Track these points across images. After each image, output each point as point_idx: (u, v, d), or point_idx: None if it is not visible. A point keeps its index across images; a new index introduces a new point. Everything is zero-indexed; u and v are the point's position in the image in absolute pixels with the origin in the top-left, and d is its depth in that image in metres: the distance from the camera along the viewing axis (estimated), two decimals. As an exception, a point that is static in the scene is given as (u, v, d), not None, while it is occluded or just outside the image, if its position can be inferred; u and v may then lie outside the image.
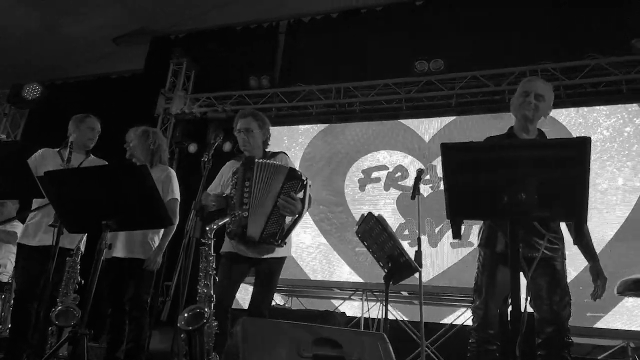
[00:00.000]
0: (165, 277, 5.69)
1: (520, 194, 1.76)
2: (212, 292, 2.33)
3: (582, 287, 4.70)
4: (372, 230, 2.79)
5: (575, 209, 1.82)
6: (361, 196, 5.88)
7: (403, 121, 6.10)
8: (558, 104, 5.43)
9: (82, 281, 2.78)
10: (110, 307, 3.23)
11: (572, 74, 5.46)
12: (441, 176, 5.55)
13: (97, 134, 3.58)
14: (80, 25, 7.78)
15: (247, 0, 7.66)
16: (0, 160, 2.57)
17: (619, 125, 5.13)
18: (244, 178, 2.75)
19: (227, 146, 6.22)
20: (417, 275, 3.17)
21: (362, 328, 4.48)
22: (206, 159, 2.70)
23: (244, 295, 4.46)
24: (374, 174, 5.90)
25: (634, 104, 5.17)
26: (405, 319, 4.61)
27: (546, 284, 2.39)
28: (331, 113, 6.52)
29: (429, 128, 5.92)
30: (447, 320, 4.84)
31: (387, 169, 5.86)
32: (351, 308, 5.13)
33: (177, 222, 3.28)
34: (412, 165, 5.73)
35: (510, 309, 1.77)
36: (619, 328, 4.41)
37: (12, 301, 4.12)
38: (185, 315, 2.24)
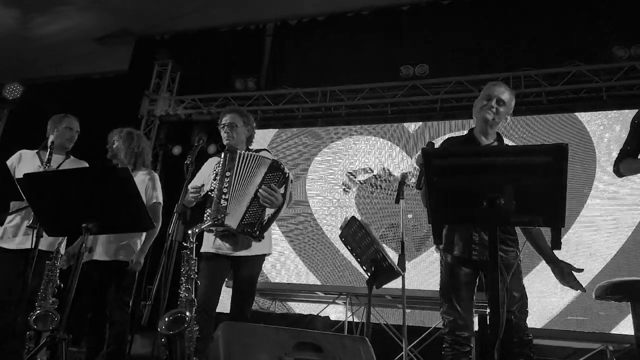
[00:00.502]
0: (148, 281, 5.64)
1: (499, 200, 1.78)
2: (193, 296, 2.31)
3: (563, 290, 4.79)
4: (355, 234, 2.80)
5: (553, 215, 1.85)
6: (345, 200, 5.89)
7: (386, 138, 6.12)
8: (540, 110, 5.55)
9: (62, 285, 2.74)
10: (90, 311, 3.19)
11: (554, 80, 5.55)
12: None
13: (75, 134, 3.53)
14: (61, 24, 7.68)
15: (234, 2, 7.63)
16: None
17: (599, 132, 5.23)
18: (225, 168, 2.75)
19: (212, 148, 6.19)
20: (400, 279, 3.20)
21: (346, 332, 4.48)
22: (189, 162, 2.69)
23: (224, 298, 4.44)
24: (360, 177, 5.92)
25: (614, 111, 5.26)
26: (389, 322, 4.62)
27: (492, 285, 2.42)
28: (317, 116, 6.53)
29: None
30: (430, 324, 4.86)
31: (373, 172, 5.88)
32: (336, 312, 5.14)
33: (159, 226, 3.25)
34: (397, 168, 5.76)
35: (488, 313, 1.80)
36: (599, 331, 4.48)
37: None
38: (166, 319, 2.22)
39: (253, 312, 4.42)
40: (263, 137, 6.51)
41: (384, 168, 5.88)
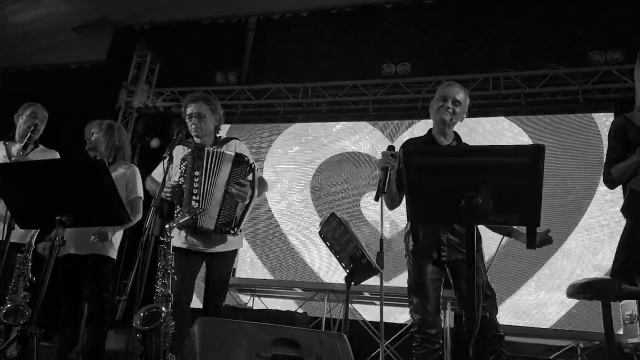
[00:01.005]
0: (123, 276, 5.55)
1: (476, 199, 1.81)
2: (170, 291, 2.28)
3: (536, 288, 4.89)
4: (335, 231, 2.80)
5: (529, 215, 1.88)
6: (327, 197, 5.90)
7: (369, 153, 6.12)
8: (519, 111, 5.64)
9: (34, 278, 2.68)
10: (64, 306, 3.12)
11: (532, 82, 5.64)
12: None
13: (40, 123, 3.42)
14: (38, 11, 7.49)
15: (216, -6, 7.56)
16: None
17: (575, 134, 5.34)
18: (193, 167, 2.71)
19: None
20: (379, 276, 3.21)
21: (324, 328, 4.49)
22: (167, 156, 2.65)
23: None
24: (342, 177, 5.94)
25: (589, 114, 5.38)
26: (367, 319, 4.65)
27: (469, 284, 2.46)
28: (298, 112, 6.51)
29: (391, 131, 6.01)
30: (406, 321, 4.91)
31: (357, 174, 5.90)
32: (314, 308, 5.14)
33: (138, 219, 3.19)
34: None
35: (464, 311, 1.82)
36: (570, 329, 4.59)
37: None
38: (142, 314, 2.19)
39: (230, 307, 4.42)
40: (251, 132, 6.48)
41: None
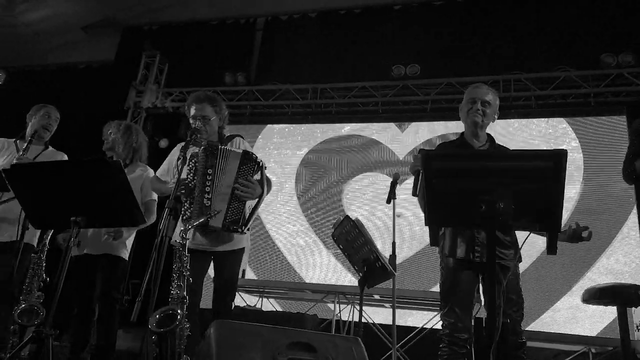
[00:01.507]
0: (132, 275, 5.55)
1: (497, 203, 1.79)
2: (185, 293, 2.27)
3: (549, 292, 4.86)
4: (349, 234, 2.79)
5: (550, 220, 1.86)
6: (337, 199, 5.89)
7: (378, 138, 6.11)
8: (529, 114, 5.61)
9: (48, 279, 2.67)
10: (76, 306, 3.12)
11: (543, 84, 5.61)
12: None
13: (54, 123, 3.43)
14: (46, 11, 7.52)
15: (224, -6, 7.56)
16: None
17: (587, 137, 5.30)
18: (205, 165, 2.66)
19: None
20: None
21: (334, 331, 4.47)
22: (182, 158, 2.63)
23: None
24: (353, 179, 5.92)
25: (601, 117, 5.34)
26: (376, 321, 4.63)
27: (489, 288, 2.44)
28: (307, 113, 6.50)
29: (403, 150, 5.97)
30: (415, 324, 4.89)
31: (365, 174, 5.88)
32: (322, 310, 5.12)
33: (152, 221, 3.18)
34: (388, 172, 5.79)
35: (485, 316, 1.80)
36: (582, 334, 4.55)
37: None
38: (157, 316, 2.18)
39: (240, 308, 4.40)
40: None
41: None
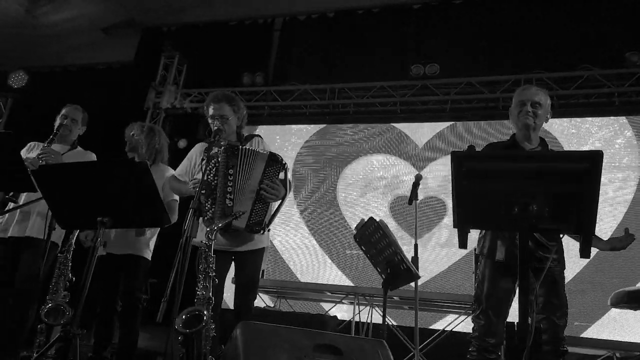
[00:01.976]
0: (150, 275, 5.58)
1: (531, 206, 1.75)
2: (211, 294, 2.27)
3: (569, 295, 4.77)
4: (372, 236, 2.77)
5: (585, 223, 1.82)
6: (354, 199, 5.86)
7: (396, 125, 6.10)
8: (552, 114, 5.51)
9: (74, 278, 2.69)
10: (99, 305, 3.15)
11: (565, 84, 5.52)
12: (430, 184, 5.55)
13: (72, 123, 3.39)
14: (67, 13, 7.61)
15: (242, -5, 7.58)
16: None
17: (610, 137, 5.20)
18: (227, 165, 2.66)
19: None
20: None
21: (353, 332, 4.45)
22: (205, 159, 2.64)
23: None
24: (370, 180, 5.88)
25: (625, 117, 5.24)
26: (395, 323, 4.60)
27: (545, 294, 2.40)
28: (325, 114, 6.48)
29: (422, 135, 5.92)
30: (434, 326, 4.84)
31: (385, 178, 5.84)
32: (339, 311, 5.10)
33: (175, 221, 3.20)
34: (407, 172, 5.73)
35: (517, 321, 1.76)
36: (606, 338, 4.46)
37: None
38: (183, 317, 2.18)
39: (260, 309, 4.40)
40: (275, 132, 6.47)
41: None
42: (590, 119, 5.37)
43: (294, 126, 6.58)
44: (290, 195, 5.87)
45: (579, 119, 5.42)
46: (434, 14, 6.42)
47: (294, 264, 5.67)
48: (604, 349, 4.32)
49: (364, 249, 2.97)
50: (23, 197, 3.14)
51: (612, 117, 5.29)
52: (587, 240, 1.88)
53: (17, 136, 2.48)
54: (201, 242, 2.36)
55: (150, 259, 3.26)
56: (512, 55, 5.79)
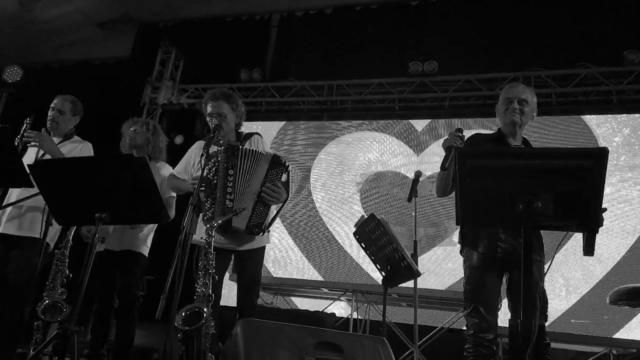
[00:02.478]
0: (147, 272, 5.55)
1: (536, 203, 1.74)
2: (210, 291, 2.25)
3: (567, 292, 4.79)
4: (373, 232, 2.75)
5: (589, 220, 1.81)
6: (352, 195, 5.84)
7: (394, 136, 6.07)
8: (550, 112, 5.52)
9: (71, 275, 2.67)
10: (96, 301, 3.12)
11: (564, 82, 5.52)
12: (430, 181, 5.52)
13: (57, 113, 3.28)
14: (62, 7, 7.53)
15: (239, -9, 7.53)
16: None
17: (608, 135, 5.21)
18: (227, 165, 2.64)
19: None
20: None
21: (351, 330, 4.44)
22: (205, 154, 2.61)
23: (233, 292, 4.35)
24: (370, 177, 5.87)
25: (623, 115, 5.25)
26: (393, 320, 4.59)
27: (525, 290, 2.38)
28: (323, 110, 6.45)
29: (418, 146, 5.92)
30: (431, 323, 4.84)
31: (385, 177, 5.83)
32: (336, 308, 5.09)
33: (172, 217, 3.17)
34: (407, 170, 5.72)
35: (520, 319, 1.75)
36: (602, 335, 4.48)
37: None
38: (183, 314, 2.16)
39: (258, 306, 4.38)
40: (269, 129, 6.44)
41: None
42: (587, 116, 5.37)
43: (291, 123, 6.54)
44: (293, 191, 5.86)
45: (576, 117, 5.42)
46: (433, 11, 6.39)
47: (291, 261, 5.66)
48: (601, 345, 4.34)
49: (364, 245, 2.96)
50: (15, 193, 3.07)
51: (610, 115, 5.29)
52: (591, 237, 1.87)
53: (12, 131, 2.44)
54: (201, 238, 2.33)
55: (147, 256, 3.24)
56: (510, 53, 5.78)
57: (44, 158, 2.90)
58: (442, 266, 5.21)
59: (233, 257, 2.85)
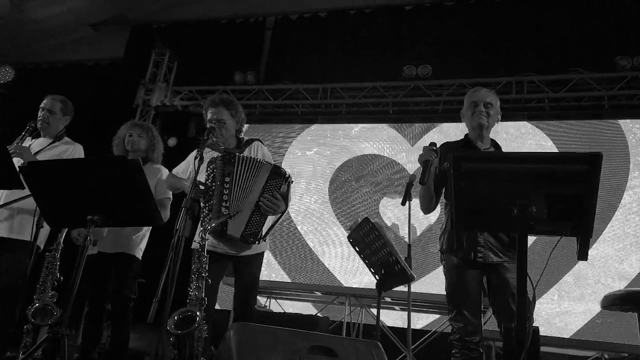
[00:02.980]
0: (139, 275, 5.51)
1: (530, 207, 1.74)
2: (203, 294, 2.23)
3: (560, 297, 4.80)
4: (367, 236, 2.75)
5: (583, 225, 1.81)
6: (345, 199, 5.84)
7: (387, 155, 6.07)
8: (542, 116, 5.56)
9: (62, 277, 2.63)
10: (88, 304, 3.09)
11: (556, 87, 5.56)
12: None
13: (47, 114, 3.26)
14: (55, 8, 7.48)
15: (234, -7, 7.52)
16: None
17: (598, 139, 5.25)
18: (223, 173, 2.64)
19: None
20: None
21: (344, 333, 4.43)
22: (199, 157, 2.59)
23: (229, 296, 4.34)
24: (361, 179, 5.87)
25: (615, 120, 5.29)
26: (386, 324, 4.59)
27: (510, 290, 2.39)
28: (317, 113, 6.45)
29: (414, 136, 5.92)
30: (422, 327, 4.84)
31: (376, 177, 5.84)
32: (329, 311, 5.08)
33: (167, 219, 3.14)
34: (400, 172, 5.73)
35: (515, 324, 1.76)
36: (594, 340, 4.50)
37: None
38: (175, 318, 2.14)
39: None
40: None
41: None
42: (580, 121, 5.41)
43: (285, 125, 6.53)
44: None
45: (569, 122, 5.45)
46: (427, 15, 6.42)
47: (285, 264, 5.64)
48: (593, 350, 4.36)
49: (357, 249, 2.95)
50: (4, 195, 3.04)
51: (601, 120, 5.33)
52: (585, 242, 1.88)
53: (3, 133, 2.41)
54: (194, 241, 2.32)
55: (140, 258, 3.21)
56: (503, 58, 5.82)
57: (36, 160, 2.88)
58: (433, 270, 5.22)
59: (231, 263, 2.83)
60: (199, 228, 2.60)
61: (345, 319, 4.53)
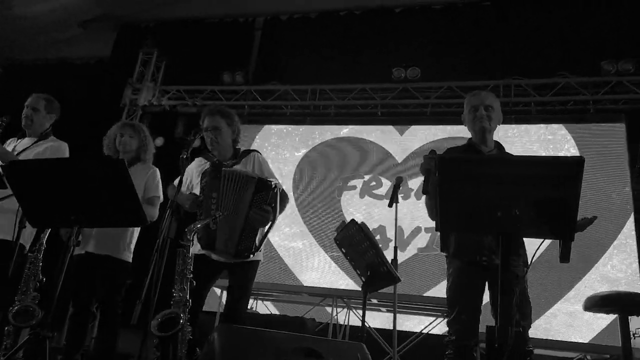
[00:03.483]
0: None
1: (514, 210, 1.76)
2: (188, 296, 2.22)
3: (545, 299, 4.85)
4: (353, 238, 2.75)
5: (565, 228, 1.84)
6: (334, 201, 5.84)
7: (376, 141, 6.08)
8: (529, 120, 5.61)
9: (44, 279, 2.59)
10: (73, 306, 3.05)
11: (543, 91, 5.62)
12: (411, 187, 5.58)
13: (30, 112, 3.22)
14: (43, 5, 7.40)
15: (223, -7, 7.49)
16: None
17: (584, 144, 5.31)
18: (210, 188, 2.65)
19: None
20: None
21: (331, 335, 4.42)
22: (185, 157, 2.58)
23: (213, 298, 4.31)
24: (351, 182, 5.88)
25: (600, 124, 5.36)
26: (372, 325, 4.59)
27: (503, 295, 2.40)
28: (305, 114, 6.45)
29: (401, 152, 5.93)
30: (410, 328, 4.86)
31: (363, 178, 5.85)
32: (314, 313, 5.06)
33: (154, 218, 3.11)
34: (387, 175, 5.75)
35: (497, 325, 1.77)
36: (577, 341, 4.55)
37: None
38: (159, 319, 2.12)
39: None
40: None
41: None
42: (565, 125, 5.47)
43: (274, 126, 6.52)
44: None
45: (555, 125, 5.51)
46: (416, 18, 6.45)
47: (273, 266, 5.62)
48: (576, 351, 4.41)
49: (344, 250, 2.96)
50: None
51: (587, 124, 5.40)
52: (567, 244, 1.90)
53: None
54: (180, 241, 2.30)
55: (130, 261, 3.16)
56: (491, 61, 5.87)
57: (19, 159, 2.84)
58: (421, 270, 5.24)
59: (227, 270, 2.82)
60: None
61: (331, 320, 4.52)
